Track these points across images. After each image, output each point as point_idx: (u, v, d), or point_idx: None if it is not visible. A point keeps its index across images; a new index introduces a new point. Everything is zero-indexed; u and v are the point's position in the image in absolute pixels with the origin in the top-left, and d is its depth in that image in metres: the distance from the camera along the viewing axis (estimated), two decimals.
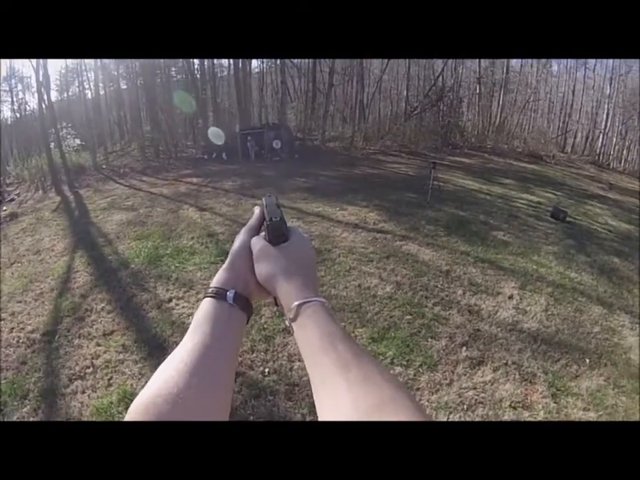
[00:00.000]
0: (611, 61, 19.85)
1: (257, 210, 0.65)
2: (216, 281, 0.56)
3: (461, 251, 6.21)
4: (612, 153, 21.54)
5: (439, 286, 5.08)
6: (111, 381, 3.46)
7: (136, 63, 18.49)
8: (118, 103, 21.71)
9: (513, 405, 3.26)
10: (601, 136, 21.49)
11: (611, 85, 21.11)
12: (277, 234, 0.59)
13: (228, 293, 0.54)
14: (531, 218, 8.43)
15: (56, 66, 30.23)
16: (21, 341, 4.07)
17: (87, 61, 19.57)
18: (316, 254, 0.62)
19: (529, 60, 20.35)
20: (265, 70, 23.05)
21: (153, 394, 0.43)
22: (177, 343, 0.50)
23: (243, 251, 0.59)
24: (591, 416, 3.20)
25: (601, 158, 21.22)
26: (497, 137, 20.41)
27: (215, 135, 15.50)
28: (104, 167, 15.29)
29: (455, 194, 9.86)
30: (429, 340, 4.02)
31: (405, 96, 21.28)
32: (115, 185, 11.84)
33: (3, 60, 15.98)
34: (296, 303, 0.50)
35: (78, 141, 17.07)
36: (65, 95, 22.98)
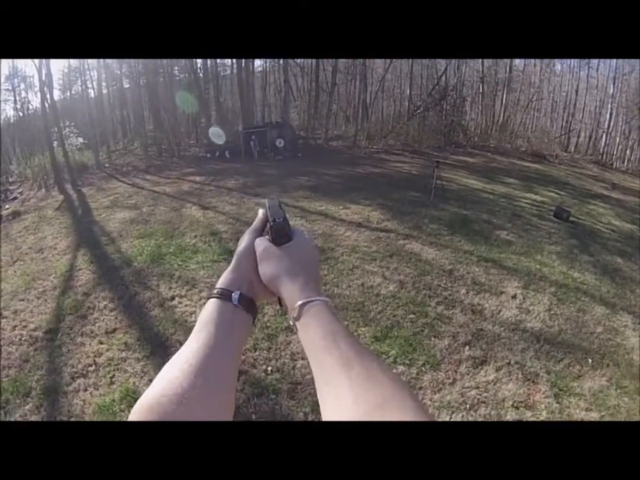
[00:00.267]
0: (614, 60, 19.77)
1: (260, 212, 0.66)
2: (221, 282, 0.57)
3: (464, 250, 6.20)
4: (615, 152, 21.49)
5: (442, 285, 5.08)
6: (114, 379, 3.45)
7: (139, 63, 18.53)
8: (121, 101, 21.81)
9: (515, 404, 3.25)
10: (604, 135, 21.43)
11: (614, 84, 21.03)
12: (280, 234, 0.59)
13: (233, 294, 0.54)
14: (534, 217, 8.40)
15: (59, 65, 30.37)
16: (23, 338, 4.08)
17: (89, 60, 19.63)
18: (319, 253, 0.63)
19: (532, 59, 20.29)
20: (267, 69, 23.12)
21: (158, 394, 0.43)
22: (179, 341, 0.50)
23: (247, 252, 0.59)
24: (593, 416, 3.19)
25: (604, 157, 21.17)
26: (500, 136, 20.37)
27: (215, 134, 15.51)
28: (107, 165, 15.34)
29: (458, 193, 9.84)
30: (432, 339, 4.02)
31: (408, 95, 21.30)
32: (118, 184, 11.84)
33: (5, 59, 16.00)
34: (299, 303, 0.50)
35: (81, 140, 17.10)
36: (68, 93, 23.14)
